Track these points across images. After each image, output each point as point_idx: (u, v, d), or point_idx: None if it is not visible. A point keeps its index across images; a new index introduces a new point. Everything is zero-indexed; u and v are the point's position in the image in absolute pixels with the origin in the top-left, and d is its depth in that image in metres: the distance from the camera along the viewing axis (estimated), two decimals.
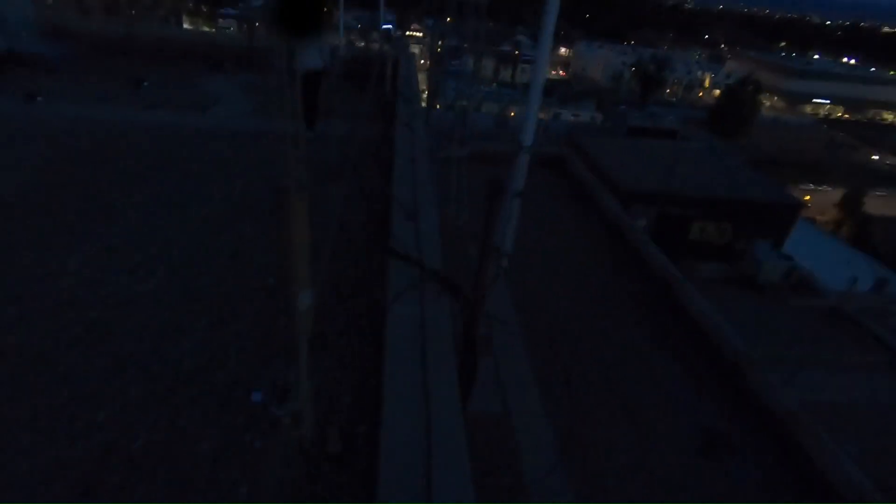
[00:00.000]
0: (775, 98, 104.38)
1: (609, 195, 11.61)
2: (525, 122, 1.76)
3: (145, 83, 6.88)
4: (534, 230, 10.78)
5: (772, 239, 16.14)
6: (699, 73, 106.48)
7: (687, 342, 7.63)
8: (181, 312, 2.96)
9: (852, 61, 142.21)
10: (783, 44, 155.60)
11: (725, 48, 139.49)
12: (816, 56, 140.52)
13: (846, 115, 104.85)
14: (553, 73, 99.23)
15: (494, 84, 76.63)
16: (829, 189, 70.02)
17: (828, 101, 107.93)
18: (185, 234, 3.68)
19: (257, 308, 2.99)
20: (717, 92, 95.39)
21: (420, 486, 1.51)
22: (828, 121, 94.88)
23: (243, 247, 3.54)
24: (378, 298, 2.78)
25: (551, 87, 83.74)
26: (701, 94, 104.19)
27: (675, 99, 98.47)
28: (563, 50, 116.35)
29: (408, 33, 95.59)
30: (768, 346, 13.06)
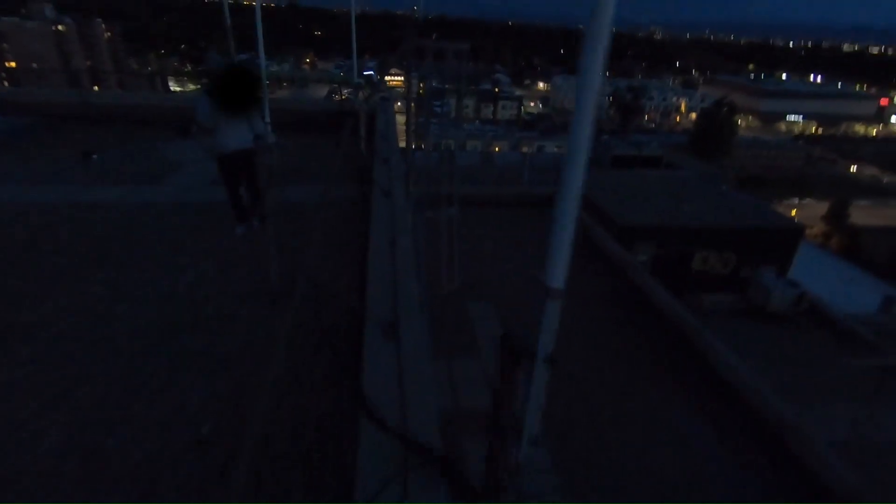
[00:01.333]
0: (750, 118, 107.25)
1: (608, 234, 10.98)
2: (553, 259, 1.17)
3: (94, 156, 6.19)
4: (531, 278, 10.07)
5: (776, 265, 15.58)
6: (674, 98, 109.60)
7: (718, 403, 6.81)
8: (82, 488, 2.13)
9: (818, 79, 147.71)
10: (752, 66, 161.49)
11: (697, 74, 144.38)
12: (784, 76, 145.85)
13: (820, 131, 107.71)
14: (532, 105, 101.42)
15: (477, 122, 77.87)
16: (814, 202, 71.01)
17: (800, 118, 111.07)
18: (104, 360, 2.87)
19: (181, 479, 2.15)
20: (694, 115, 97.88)
21: None
22: (803, 137, 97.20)
23: (175, 377, 2.74)
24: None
25: (532, 122, 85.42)
26: (679, 118, 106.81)
27: (653, 125, 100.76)
28: (541, 85, 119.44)
29: (387, 77, 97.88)
30: (785, 376, 12.26)
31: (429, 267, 5.89)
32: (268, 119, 5.03)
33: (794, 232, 15.86)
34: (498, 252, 11.07)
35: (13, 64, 73.93)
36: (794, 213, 57.91)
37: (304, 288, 2.48)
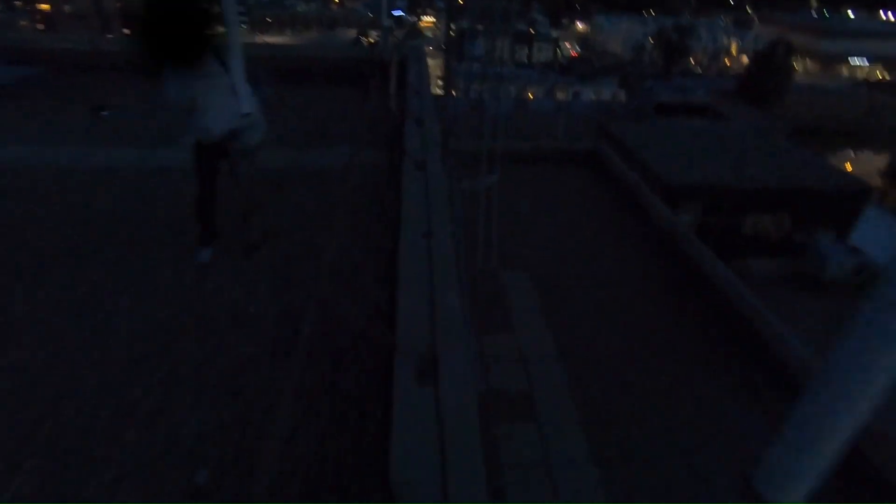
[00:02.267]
0: (808, 61, 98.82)
1: (653, 194, 10.08)
2: None
3: (105, 112, 5.72)
4: (570, 244, 9.40)
5: (836, 230, 14.33)
6: (725, 39, 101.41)
7: (778, 396, 6.21)
8: None
9: (891, 17, 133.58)
10: (814, 2, 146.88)
11: (752, 11, 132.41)
12: (851, 13, 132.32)
13: (886, 76, 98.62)
14: (568, 47, 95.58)
15: (511, 65, 73.92)
16: (872, 155, 66.20)
17: (865, 61, 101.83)
18: (96, 370, 2.49)
19: None
20: (745, 58, 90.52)
21: None
22: (867, 82, 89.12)
23: (172, 397, 2.33)
24: None
25: (570, 65, 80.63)
26: (728, 61, 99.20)
27: (700, 69, 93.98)
28: (579, 25, 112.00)
29: (419, 19, 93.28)
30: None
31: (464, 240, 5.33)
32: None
33: (860, 193, 14.43)
34: (533, 213, 10.37)
35: (47, 7, 73.58)
36: (848, 166, 54.01)
37: (312, 318, 1.99)
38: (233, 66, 3.41)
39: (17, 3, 75.37)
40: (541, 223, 9.97)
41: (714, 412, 6.30)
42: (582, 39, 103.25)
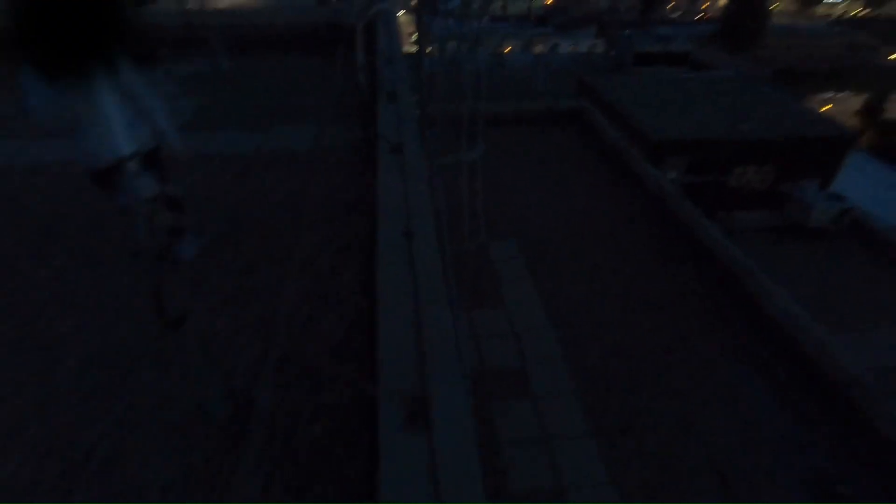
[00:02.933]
0: (785, 1, 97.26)
1: (640, 156, 9.78)
2: None
3: None
4: (557, 208, 9.13)
5: (820, 178, 14.29)
6: None
7: (774, 357, 6.17)
8: None
9: None
10: None
11: None
12: None
13: (866, 11, 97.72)
14: None
15: (487, 18, 71.25)
16: (851, 95, 66.45)
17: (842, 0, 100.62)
18: (42, 411, 2.18)
19: None
20: (723, 1, 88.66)
21: None
22: (844, 21, 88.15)
23: (130, 443, 2.04)
24: None
25: (545, 15, 78.07)
26: (706, 4, 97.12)
27: (678, 14, 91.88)
28: None
29: None
30: (832, 304, 11.62)
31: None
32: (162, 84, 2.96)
33: (844, 140, 14.31)
34: (518, 178, 10.03)
35: None
36: (829, 107, 54.02)
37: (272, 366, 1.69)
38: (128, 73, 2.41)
39: None
40: (526, 187, 9.66)
41: (711, 375, 6.27)
42: None
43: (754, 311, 6.58)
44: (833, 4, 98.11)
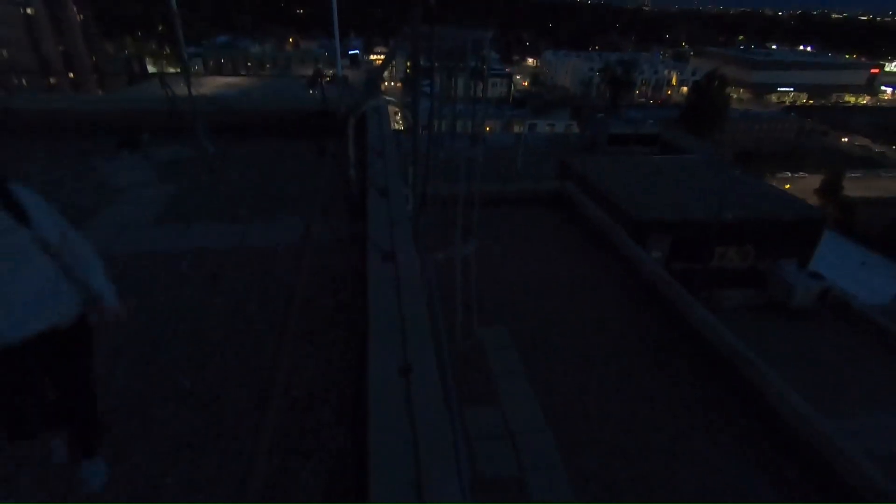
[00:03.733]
0: (741, 90, 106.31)
1: (631, 241, 9.79)
2: None
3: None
4: (546, 292, 8.89)
5: (796, 255, 14.58)
6: (665, 71, 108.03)
7: (780, 453, 5.75)
8: None
9: (809, 48, 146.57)
10: (741, 37, 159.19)
11: (687, 46, 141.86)
12: (774, 46, 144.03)
13: (811, 102, 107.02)
14: (523, 82, 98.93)
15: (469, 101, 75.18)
16: (806, 175, 70.78)
17: (792, 89, 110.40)
18: None
19: None
20: (685, 89, 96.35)
21: None
22: (795, 108, 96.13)
23: None
24: None
25: (523, 99, 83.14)
26: (669, 92, 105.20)
27: (644, 100, 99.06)
28: (530, 60, 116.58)
29: (373, 56, 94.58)
30: (818, 383, 11.35)
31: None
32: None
33: (817, 220, 14.80)
34: (505, 260, 9.87)
35: None
36: (787, 187, 57.28)
37: None
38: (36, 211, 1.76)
39: None
40: (514, 270, 9.46)
41: (717, 476, 5.78)
42: (532, 74, 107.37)
43: (755, 404, 6.22)
44: (784, 93, 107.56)
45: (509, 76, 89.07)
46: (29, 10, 72.13)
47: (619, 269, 9.37)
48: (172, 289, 3.42)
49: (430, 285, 2.75)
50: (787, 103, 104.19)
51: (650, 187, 15.14)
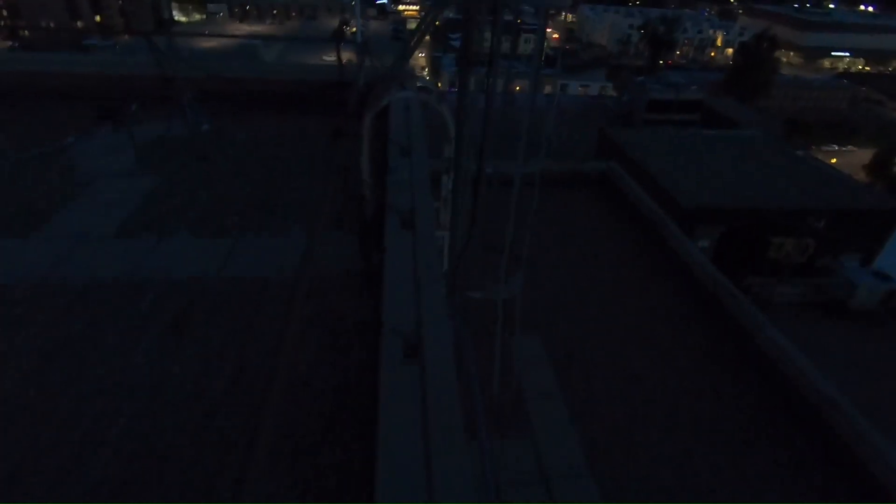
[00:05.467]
0: (791, 54, 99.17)
1: (678, 230, 8.60)
2: None
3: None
4: (589, 295, 7.86)
5: (862, 253, 13.12)
6: (710, 31, 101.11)
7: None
8: None
9: (871, 9, 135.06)
10: None
11: (735, 3, 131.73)
12: (832, 6, 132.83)
13: (868, 69, 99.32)
14: (556, 37, 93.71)
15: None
16: (855, 149, 66.46)
17: (848, 54, 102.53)
18: None
19: None
20: (731, 51, 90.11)
21: None
22: (849, 75, 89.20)
23: None
24: None
25: (555, 57, 78.81)
26: (714, 53, 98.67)
27: (686, 61, 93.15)
28: (567, 15, 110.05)
29: (401, 7, 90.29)
30: (880, 396, 10.26)
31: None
32: None
33: (889, 213, 13.20)
34: (542, 253, 8.82)
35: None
36: (833, 161, 53.61)
37: None
38: None
39: None
40: (550, 266, 8.43)
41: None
42: (567, 30, 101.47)
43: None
44: (838, 59, 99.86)
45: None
46: None
47: (672, 270, 8.25)
48: (124, 342, 2.55)
49: (470, 377, 1.81)
50: (841, 69, 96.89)
51: (700, 168, 13.66)
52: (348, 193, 3.75)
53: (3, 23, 70.73)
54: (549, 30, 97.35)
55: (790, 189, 13.09)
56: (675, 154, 14.33)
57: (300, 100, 5.60)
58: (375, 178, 2.84)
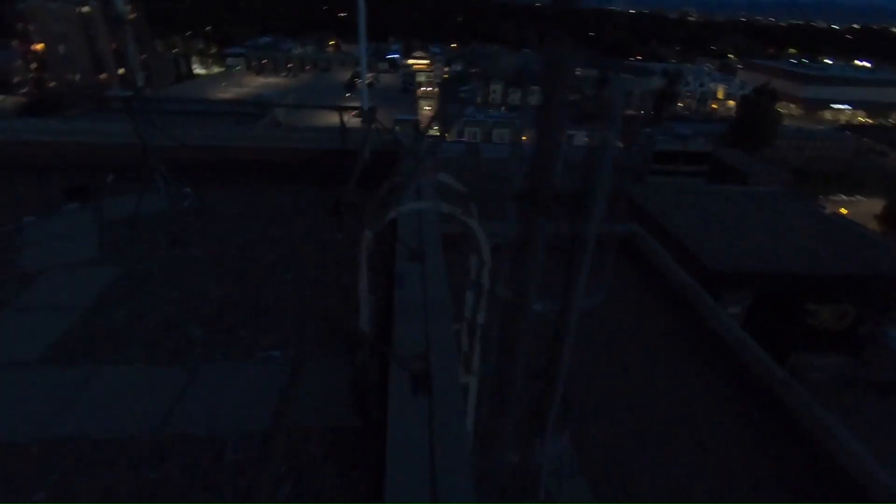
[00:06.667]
0: (792, 106, 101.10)
1: (715, 306, 7.76)
2: None
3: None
4: (620, 380, 6.94)
5: None
6: (711, 84, 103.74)
7: None
8: None
9: (867, 64, 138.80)
10: (793, 50, 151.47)
11: (734, 58, 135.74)
12: (829, 61, 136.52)
13: (869, 120, 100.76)
14: None
15: (503, 108, 73.38)
16: (864, 199, 66.10)
17: (848, 107, 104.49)
18: None
19: None
20: (732, 103, 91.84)
21: None
22: (850, 127, 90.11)
23: None
24: None
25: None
26: (715, 105, 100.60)
27: (688, 113, 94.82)
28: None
29: (411, 61, 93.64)
30: None
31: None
32: None
33: None
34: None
35: (41, 46, 72.88)
36: (843, 211, 52.96)
37: None
38: None
39: (13, 42, 74.88)
40: (577, 344, 7.55)
41: None
42: None
43: None
44: (838, 111, 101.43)
45: None
46: (84, 9, 74.62)
47: (709, 350, 7.34)
48: None
49: None
50: (843, 121, 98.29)
51: (724, 227, 12.94)
52: (343, 292, 3.01)
53: (32, 76, 74.13)
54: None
55: (823, 251, 12.28)
56: (696, 211, 13.66)
57: (297, 169, 4.98)
58: (376, 301, 2.08)
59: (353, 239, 3.11)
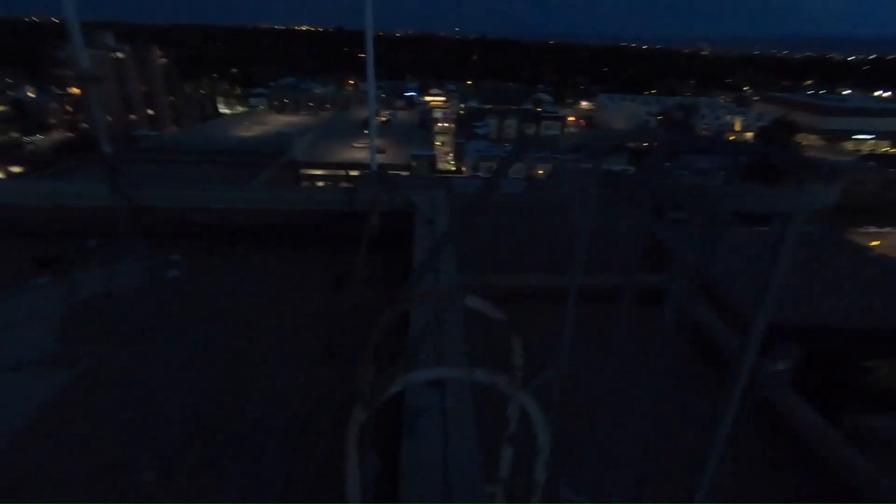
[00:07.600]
0: (812, 137, 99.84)
1: (736, 336, 6.82)
2: None
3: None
4: (653, 453, 6.03)
5: None
6: (728, 117, 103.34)
7: None
8: None
9: (886, 94, 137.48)
10: (810, 82, 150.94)
11: (749, 90, 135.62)
12: (847, 92, 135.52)
13: (893, 150, 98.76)
14: (573, 121, 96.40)
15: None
16: (894, 231, 63.91)
17: (871, 137, 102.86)
18: None
19: None
20: (749, 135, 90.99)
21: None
22: (874, 157, 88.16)
23: None
24: None
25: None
26: (732, 137, 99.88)
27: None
28: (584, 103, 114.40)
29: (427, 98, 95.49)
30: None
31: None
32: None
33: None
34: (588, 397, 7.10)
35: (77, 90, 76.79)
36: (876, 243, 50.93)
37: None
38: None
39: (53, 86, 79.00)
40: (599, 413, 6.68)
41: None
42: (586, 118, 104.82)
43: None
44: (860, 141, 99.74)
45: (562, 118, 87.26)
46: (119, 55, 78.64)
47: (764, 424, 6.38)
48: None
49: None
50: (865, 152, 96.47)
51: (766, 274, 11.98)
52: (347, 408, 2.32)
53: (68, 117, 77.92)
54: (571, 118, 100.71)
55: (875, 298, 11.23)
56: (733, 256, 12.75)
57: (300, 232, 4.40)
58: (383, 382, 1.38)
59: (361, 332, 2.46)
